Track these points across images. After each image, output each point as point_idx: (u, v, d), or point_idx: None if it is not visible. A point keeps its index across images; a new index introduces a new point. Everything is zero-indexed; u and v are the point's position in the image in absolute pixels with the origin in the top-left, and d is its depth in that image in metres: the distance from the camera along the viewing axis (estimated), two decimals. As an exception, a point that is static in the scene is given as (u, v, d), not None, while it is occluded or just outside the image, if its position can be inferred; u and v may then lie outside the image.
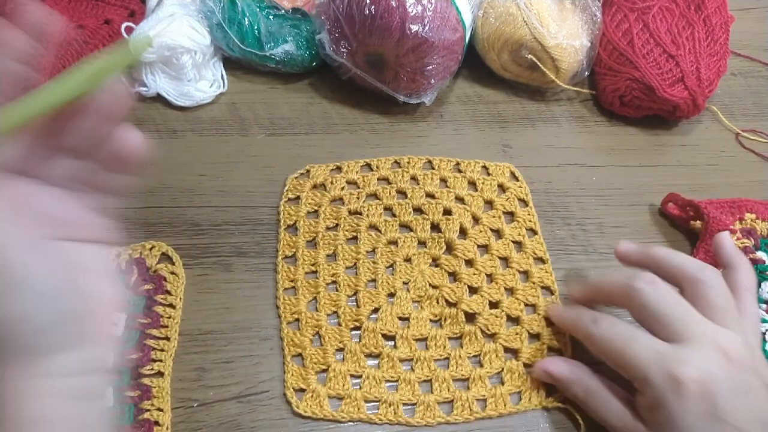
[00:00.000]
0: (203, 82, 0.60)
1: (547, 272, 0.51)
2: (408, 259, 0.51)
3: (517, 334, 0.48)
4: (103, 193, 0.33)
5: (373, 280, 0.49)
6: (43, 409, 0.29)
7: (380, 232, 0.52)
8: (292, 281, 0.49)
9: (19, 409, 0.29)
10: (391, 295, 0.49)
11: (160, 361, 0.44)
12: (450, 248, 0.52)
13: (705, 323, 0.40)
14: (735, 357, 0.38)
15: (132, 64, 0.30)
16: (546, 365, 0.45)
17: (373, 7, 0.53)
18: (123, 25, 0.58)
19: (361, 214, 0.53)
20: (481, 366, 0.46)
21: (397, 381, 0.45)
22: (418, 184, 0.56)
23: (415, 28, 0.53)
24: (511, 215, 0.55)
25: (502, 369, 0.46)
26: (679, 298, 0.41)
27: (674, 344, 0.39)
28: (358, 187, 0.55)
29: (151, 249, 0.49)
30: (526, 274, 0.51)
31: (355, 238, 0.52)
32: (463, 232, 0.53)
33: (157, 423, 0.41)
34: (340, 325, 0.47)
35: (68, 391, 0.30)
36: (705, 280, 0.42)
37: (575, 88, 0.64)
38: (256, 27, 0.59)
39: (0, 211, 0.27)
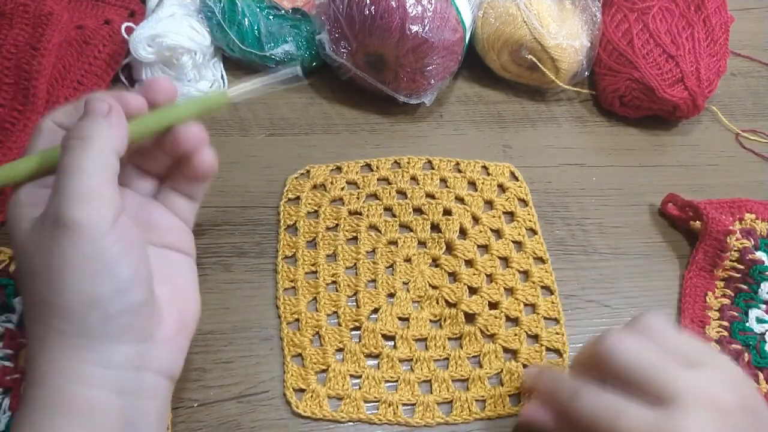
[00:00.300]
0: (203, 83, 0.60)
1: (547, 272, 0.51)
2: (408, 260, 0.51)
3: (516, 335, 0.48)
4: (183, 198, 0.39)
5: (373, 281, 0.50)
6: (92, 399, 0.31)
7: (380, 232, 0.52)
8: (292, 281, 0.49)
9: (69, 396, 0.30)
10: (391, 295, 0.49)
11: (161, 361, 0.44)
12: (450, 248, 0.52)
13: (685, 373, 0.36)
14: (727, 406, 0.35)
15: (224, 107, 0.39)
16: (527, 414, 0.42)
17: (373, 7, 0.53)
18: (123, 26, 0.58)
19: (361, 214, 0.53)
20: (481, 367, 0.46)
21: (396, 381, 0.45)
22: (418, 184, 0.56)
23: (415, 28, 0.53)
24: (511, 215, 0.55)
25: (502, 370, 0.46)
26: (650, 349, 0.38)
27: (664, 410, 0.35)
28: (358, 188, 0.55)
29: (151, 249, 0.49)
30: (526, 274, 0.51)
31: (355, 238, 0.52)
32: (463, 232, 0.53)
33: (157, 423, 0.41)
34: (340, 325, 0.47)
35: (118, 385, 0.32)
36: (655, 326, 0.39)
37: (575, 89, 0.64)
38: (256, 27, 0.59)
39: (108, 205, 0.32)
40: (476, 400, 0.45)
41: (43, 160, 0.33)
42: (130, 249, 0.32)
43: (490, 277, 0.51)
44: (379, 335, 0.47)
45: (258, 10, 0.60)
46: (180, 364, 0.35)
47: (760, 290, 0.51)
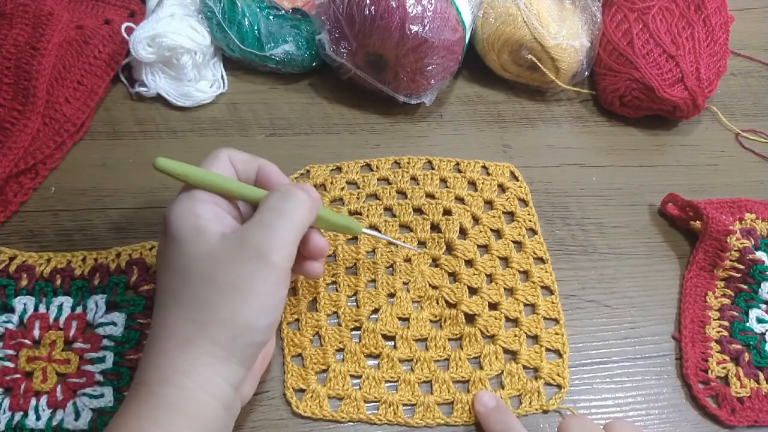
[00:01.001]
0: (203, 83, 0.60)
1: (547, 272, 0.51)
2: (408, 260, 0.51)
3: (516, 336, 0.48)
4: (302, 274, 0.43)
5: (373, 281, 0.50)
6: (210, 407, 0.35)
7: (380, 232, 0.52)
8: (292, 281, 0.49)
9: (194, 400, 0.34)
10: (391, 295, 0.49)
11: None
12: (450, 248, 0.52)
13: None
14: None
15: (354, 235, 0.48)
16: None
17: (373, 7, 0.53)
18: (123, 26, 0.58)
19: (361, 214, 0.53)
20: (481, 368, 0.46)
21: (396, 381, 0.45)
22: (418, 184, 0.56)
23: (415, 28, 0.53)
24: (511, 215, 0.55)
25: (502, 371, 0.46)
26: None
27: None
28: (358, 188, 0.55)
29: (151, 249, 0.49)
30: (526, 274, 0.51)
31: (355, 238, 0.52)
32: (463, 232, 0.53)
33: (157, 423, 0.41)
34: (340, 325, 0.47)
35: (226, 400, 0.36)
36: None
37: (575, 89, 0.64)
38: (256, 27, 0.59)
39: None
40: (476, 401, 0.45)
41: (234, 188, 0.39)
42: (285, 298, 0.38)
43: (490, 277, 0.51)
44: (379, 335, 0.47)
45: (258, 10, 0.60)
46: (251, 394, 0.41)
47: (760, 290, 0.51)
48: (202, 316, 0.35)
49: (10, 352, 0.43)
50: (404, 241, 0.51)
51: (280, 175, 0.41)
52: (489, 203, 0.55)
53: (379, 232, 0.52)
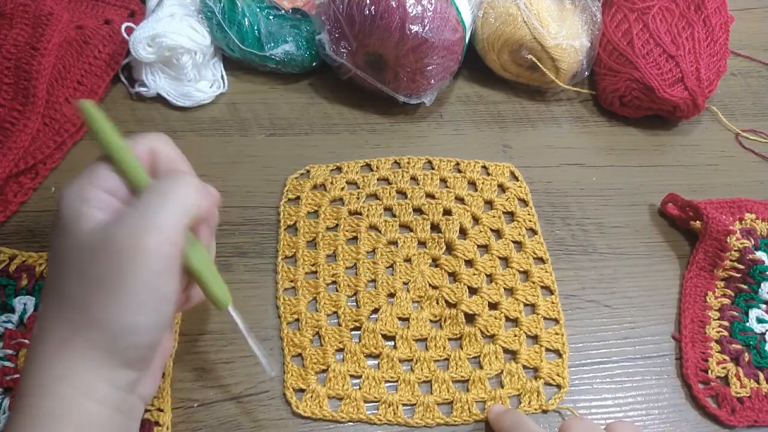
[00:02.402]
0: (203, 83, 0.60)
1: (547, 272, 0.51)
2: (408, 260, 0.51)
3: (516, 335, 0.48)
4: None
5: (373, 281, 0.50)
6: (95, 414, 0.31)
7: (380, 232, 0.52)
8: (292, 281, 0.49)
9: (75, 408, 0.31)
10: (391, 295, 0.49)
11: (161, 361, 0.44)
12: (450, 248, 0.52)
13: None
14: None
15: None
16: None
17: (373, 7, 0.53)
18: (123, 26, 0.58)
19: (361, 214, 0.53)
20: (481, 367, 0.46)
21: (396, 381, 0.45)
22: (418, 184, 0.56)
23: (415, 28, 0.53)
24: (511, 215, 0.55)
25: (502, 371, 0.46)
26: None
27: None
28: (358, 188, 0.55)
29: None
30: (526, 274, 0.51)
31: (355, 238, 0.52)
32: (463, 233, 0.53)
33: (157, 423, 0.41)
34: (340, 325, 0.47)
35: (116, 404, 0.33)
36: None
37: (575, 89, 0.64)
38: (256, 27, 0.59)
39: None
40: (476, 402, 0.45)
41: (131, 167, 0.34)
42: (175, 293, 0.33)
43: (490, 277, 0.51)
44: (379, 335, 0.47)
45: (258, 10, 0.60)
46: (155, 391, 0.38)
47: (760, 290, 0.51)
48: (77, 316, 0.31)
49: (10, 352, 0.43)
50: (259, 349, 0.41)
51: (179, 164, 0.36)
52: (489, 203, 0.55)
53: (380, 232, 0.52)
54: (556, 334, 0.48)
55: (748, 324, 0.50)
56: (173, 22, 0.57)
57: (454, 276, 0.51)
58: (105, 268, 0.31)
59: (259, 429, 0.43)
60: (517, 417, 0.42)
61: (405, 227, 0.53)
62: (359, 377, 0.45)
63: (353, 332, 0.47)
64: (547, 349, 0.48)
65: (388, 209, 0.54)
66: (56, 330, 0.32)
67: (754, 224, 0.56)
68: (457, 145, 0.60)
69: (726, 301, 0.52)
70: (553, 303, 0.50)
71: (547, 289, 0.51)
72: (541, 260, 0.52)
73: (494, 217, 0.54)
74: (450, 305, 0.49)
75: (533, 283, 0.51)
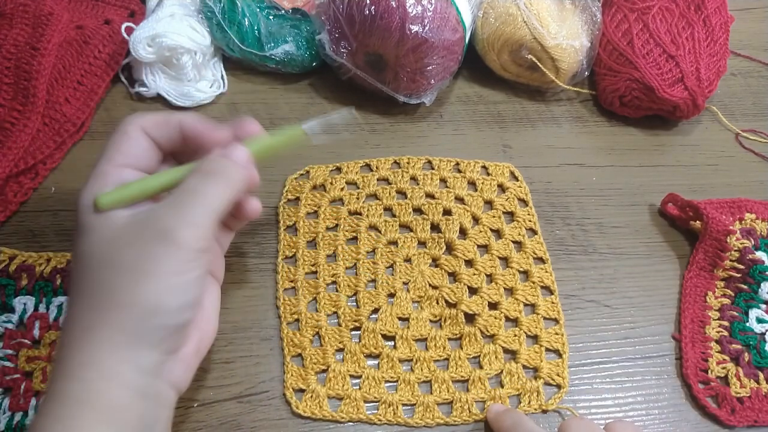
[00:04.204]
0: (203, 83, 0.60)
1: (547, 272, 0.51)
2: (408, 260, 0.51)
3: (515, 335, 0.48)
4: (225, 229, 0.42)
5: (373, 281, 0.50)
6: (119, 398, 0.32)
7: (380, 232, 0.52)
8: (292, 282, 0.49)
9: (100, 392, 0.32)
10: (391, 295, 0.49)
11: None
12: (450, 248, 0.52)
13: None
14: None
15: (302, 144, 0.41)
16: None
17: (373, 7, 0.53)
18: (123, 26, 0.58)
19: (360, 214, 0.53)
20: (481, 367, 0.46)
21: (396, 381, 0.45)
22: (417, 184, 0.56)
23: (415, 28, 0.53)
24: (511, 215, 0.55)
25: (502, 371, 0.46)
26: None
27: None
28: (358, 188, 0.55)
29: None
30: (526, 274, 0.51)
31: (355, 238, 0.52)
32: (463, 233, 0.53)
33: (157, 423, 0.41)
34: (340, 325, 0.47)
35: (141, 389, 0.33)
36: None
37: (575, 89, 0.64)
38: (256, 27, 0.59)
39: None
40: (476, 401, 0.45)
41: (171, 179, 0.36)
42: (203, 275, 0.35)
43: (490, 277, 0.51)
44: (379, 335, 0.47)
45: (258, 10, 0.60)
46: (188, 382, 0.37)
47: (760, 290, 0.51)
48: (102, 302, 0.33)
49: (10, 352, 0.43)
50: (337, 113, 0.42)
51: (206, 127, 0.38)
52: (489, 203, 0.55)
53: (380, 232, 0.52)
54: (556, 334, 0.48)
55: (748, 324, 0.50)
56: (173, 22, 0.57)
57: (454, 276, 0.51)
58: (135, 256, 0.33)
59: (259, 429, 0.43)
60: (516, 417, 0.42)
61: (405, 227, 0.53)
62: (359, 377, 0.45)
63: (353, 332, 0.47)
64: (547, 349, 0.48)
65: (388, 209, 0.54)
66: (83, 317, 0.33)
67: (754, 224, 0.56)
68: (457, 145, 0.60)
69: (726, 301, 0.52)
70: (553, 303, 0.50)
71: (547, 289, 0.51)
72: (541, 260, 0.52)
73: (494, 217, 0.54)
74: (450, 305, 0.49)
75: (533, 283, 0.51)
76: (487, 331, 0.48)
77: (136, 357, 0.33)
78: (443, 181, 0.56)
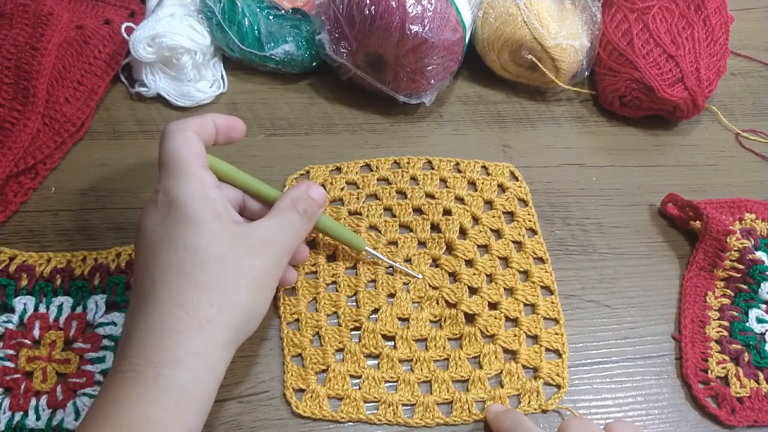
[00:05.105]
0: (203, 83, 0.60)
1: (546, 272, 0.51)
2: (408, 260, 0.51)
3: (515, 335, 0.48)
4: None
5: (373, 281, 0.50)
6: (212, 391, 0.36)
7: (380, 232, 0.52)
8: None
9: (202, 383, 0.35)
10: (391, 295, 0.49)
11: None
12: (450, 248, 0.52)
13: None
14: None
15: (358, 251, 0.49)
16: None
17: (373, 7, 0.53)
18: (123, 26, 0.58)
19: (360, 214, 0.53)
20: (481, 367, 0.46)
21: (396, 381, 0.45)
22: (417, 184, 0.56)
23: (415, 28, 0.53)
24: (511, 215, 0.55)
25: (502, 371, 0.46)
26: None
27: None
28: (358, 188, 0.55)
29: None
30: (526, 274, 0.51)
31: (355, 238, 0.52)
32: (463, 233, 0.53)
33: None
34: (340, 325, 0.47)
35: (220, 382, 0.36)
36: None
37: (575, 89, 0.64)
38: (256, 27, 0.59)
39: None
40: (476, 401, 0.45)
41: (258, 186, 0.45)
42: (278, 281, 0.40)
43: (490, 277, 0.51)
44: (379, 335, 0.47)
45: (258, 10, 0.60)
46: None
47: (760, 290, 0.51)
48: (224, 300, 0.36)
49: (10, 352, 0.43)
50: (408, 267, 0.50)
51: (235, 121, 0.44)
52: (489, 203, 0.55)
53: (380, 232, 0.52)
54: (556, 334, 0.48)
55: (748, 324, 0.50)
56: (173, 22, 0.57)
57: (454, 276, 0.51)
58: (262, 268, 0.38)
59: (259, 429, 0.43)
60: (516, 417, 0.42)
61: (405, 227, 0.53)
62: (359, 377, 0.45)
63: (353, 332, 0.47)
64: (547, 349, 0.48)
65: (388, 209, 0.54)
66: (202, 311, 0.35)
67: (754, 224, 0.56)
68: (457, 145, 0.60)
69: (726, 301, 0.52)
70: (553, 303, 0.50)
71: (547, 289, 0.51)
72: (541, 260, 0.52)
73: (494, 217, 0.54)
74: (450, 305, 0.49)
75: (533, 283, 0.51)
76: (487, 331, 0.48)
77: (228, 354, 0.37)
78: (443, 181, 0.56)
